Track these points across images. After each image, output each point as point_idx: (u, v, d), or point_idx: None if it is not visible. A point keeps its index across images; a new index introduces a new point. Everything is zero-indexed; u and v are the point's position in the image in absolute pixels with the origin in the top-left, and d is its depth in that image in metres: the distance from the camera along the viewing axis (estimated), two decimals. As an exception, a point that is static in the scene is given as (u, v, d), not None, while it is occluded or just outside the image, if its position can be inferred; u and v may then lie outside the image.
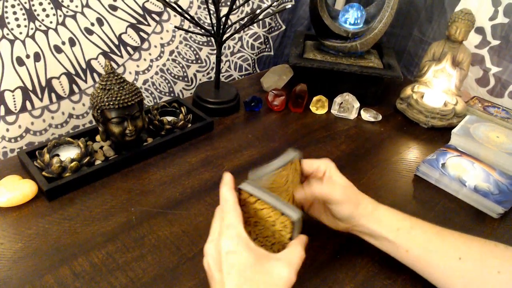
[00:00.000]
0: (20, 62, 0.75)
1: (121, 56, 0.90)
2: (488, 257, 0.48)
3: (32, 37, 0.75)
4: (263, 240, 0.47)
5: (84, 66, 0.84)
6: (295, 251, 0.42)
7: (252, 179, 0.47)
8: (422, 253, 0.50)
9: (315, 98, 0.94)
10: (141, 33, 0.91)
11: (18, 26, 0.72)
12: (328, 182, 0.53)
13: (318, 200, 0.56)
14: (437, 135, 0.90)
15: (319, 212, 0.57)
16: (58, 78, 0.82)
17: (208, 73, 1.09)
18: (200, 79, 1.08)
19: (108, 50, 0.87)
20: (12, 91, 0.77)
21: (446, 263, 0.49)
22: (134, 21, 0.88)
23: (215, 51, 0.86)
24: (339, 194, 0.51)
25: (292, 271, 0.40)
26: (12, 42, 0.73)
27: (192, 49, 1.02)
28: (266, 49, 1.19)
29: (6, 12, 0.70)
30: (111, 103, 0.64)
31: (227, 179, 0.47)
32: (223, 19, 0.78)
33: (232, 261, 0.40)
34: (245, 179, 0.47)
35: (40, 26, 0.75)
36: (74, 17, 0.79)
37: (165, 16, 0.92)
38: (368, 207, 0.53)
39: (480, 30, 1.00)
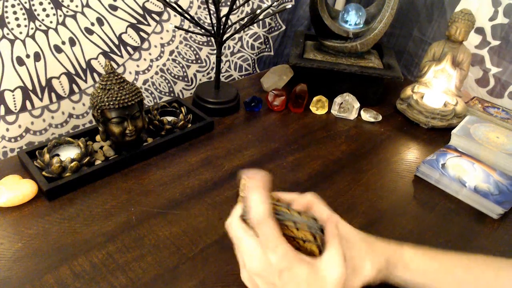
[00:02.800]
0: (20, 61, 0.75)
1: (121, 56, 0.90)
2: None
3: (32, 37, 0.75)
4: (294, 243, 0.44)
5: (84, 66, 0.84)
6: (334, 248, 0.41)
7: None
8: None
9: (315, 98, 0.94)
10: (141, 33, 0.91)
11: (18, 26, 0.72)
12: (354, 268, 0.45)
13: None
14: (437, 135, 0.90)
15: None
16: (58, 78, 0.82)
17: (208, 73, 1.09)
18: (200, 79, 1.08)
19: (108, 50, 0.87)
20: (12, 91, 0.77)
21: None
22: (134, 21, 0.88)
23: (215, 51, 0.86)
24: (372, 274, 0.45)
25: (341, 268, 0.39)
26: (12, 42, 0.73)
27: (192, 49, 1.02)
28: (266, 49, 1.19)
29: (6, 12, 0.70)
30: (111, 103, 0.64)
31: (255, 182, 0.41)
32: (223, 19, 0.78)
33: (287, 279, 0.38)
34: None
35: (40, 26, 0.75)
36: (74, 17, 0.79)
37: (165, 16, 0.92)
38: (395, 257, 0.48)
39: (480, 31, 1.00)
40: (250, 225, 0.41)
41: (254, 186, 0.41)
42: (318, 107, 0.94)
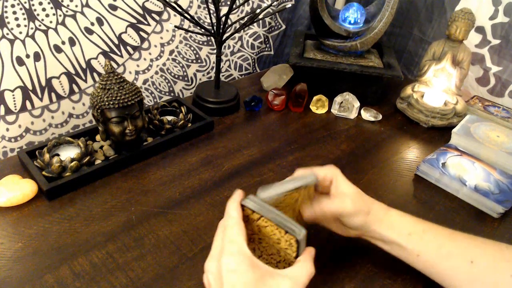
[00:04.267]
0: (20, 61, 0.75)
1: (121, 56, 0.90)
2: (501, 260, 0.48)
3: (32, 36, 0.75)
4: (268, 257, 0.46)
5: (84, 65, 0.84)
6: (302, 267, 0.41)
7: (261, 197, 0.45)
8: (433, 257, 0.50)
9: (315, 98, 0.94)
10: (141, 33, 0.91)
11: (18, 25, 0.72)
12: (337, 195, 0.51)
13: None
14: (437, 134, 0.90)
15: (329, 222, 0.55)
16: (58, 77, 0.82)
17: (208, 73, 1.09)
18: (200, 79, 1.08)
19: (108, 50, 0.87)
20: (12, 91, 0.77)
21: (458, 267, 0.48)
22: (134, 21, 0.88)
23: (215, 51, 0.86)
24: (350, 206, 0.50)
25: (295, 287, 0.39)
26: (12, 42, 0.73)
27: (192, 48, 1.02)
28: (266, 49, 1.19)
29: (6, 12, 0.70)
30: (111, 102, 0.64)
31: (236, 195, 0.45)
32: (223, 18, 0.78)
33: (233, 280, 0.38)
34: (252, 194, 0.46)
35: (40, 25, 0.75)
36: (74, 16, 0.79)
37: (165, 16, 0.92)
38: (379, 213, 0.52)
39: (480, 30, 1.00)
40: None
41: (235, 198, 0.45)
42: (318, 106, 0.94)
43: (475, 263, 0.48)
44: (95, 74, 0.87)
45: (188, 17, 0.77)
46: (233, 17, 1.00)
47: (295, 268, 0.41)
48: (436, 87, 0.92)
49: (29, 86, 0.78)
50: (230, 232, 0.41)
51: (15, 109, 0.78)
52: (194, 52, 1.03)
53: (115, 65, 0.90)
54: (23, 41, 0.74)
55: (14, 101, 0.78)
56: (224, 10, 0.97)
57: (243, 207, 0.44)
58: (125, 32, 0.88)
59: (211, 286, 0.41)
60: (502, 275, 0.46)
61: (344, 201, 0.50)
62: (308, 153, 0.80)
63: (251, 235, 0.45)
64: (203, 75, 1.08)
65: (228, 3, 0.99)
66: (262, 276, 0.39)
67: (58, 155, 0.67)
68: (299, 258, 0.43)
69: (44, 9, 0.74)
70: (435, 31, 1.09)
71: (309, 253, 0.44)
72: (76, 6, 0.78)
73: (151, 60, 0.96)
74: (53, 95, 0.82)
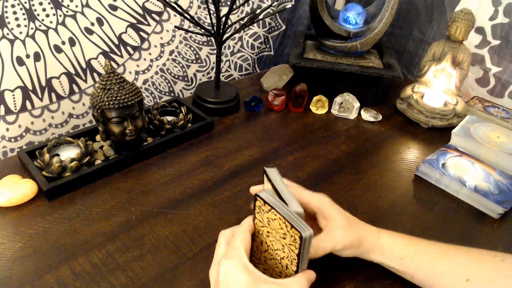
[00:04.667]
0: (20, 61, 0.75)
1: (121, 56, 0.90)
2: (497, 276, 0.47)
3: (32, 37, 0.75)
4: (271, 271, 0.47)
5: (84, 65, 0.84)
6: (297, 282, 0.42)
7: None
8: (428, 278, 0.50)
9: (315, 98, 0.94)
10: (141, 33, 0.91)
11: (18, 26, 0.72)
12: (326, 230, 0.50)
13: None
14: (437, 135, 0.90)
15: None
16: (58, 77, 0.82)
17: (208, 73, 1.09)
18: (200, 79, 1.08)
19: (108, 50, 0.87)
20: (12, 91, 0.77)
21: (453, 285, 0.48)
22: (134, 21, 0.88)
23: (215, 51, 0.86)
24: (340, 245, 0.49)
25: None
26: (12, 42, 0.73)
27: (192, 49, 1.02)
28: (266, 49, 1.19)
29: (6, 12, 0.70)
30: (111, 102, 0.64)
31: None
32: (223, 19, 0.78)
33: (229, 280, 0.40)
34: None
35: (40, 26, 0.75)
36: (74, 17, 0.79)
37: (165, 16, 0.92)
38: (371, 241, 0.51)
39: (480, 30, 1.00)
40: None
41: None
42: (318, 106, 0.94)
43: (470, 281, 0.47)
44: (95, 74, 0.87)
45: (188, 17, 0.77)
46: (233, 17, 1.00)
47: (291, 280, 0.42)
48: (436, 88, 0.92)
49: (29, 86, 0.78)
50: (235, 239, 0.43)
51: (15, 109, 0.78)
52: (194, 52, 1.03)
53: (115, 65, 0.90)
54: (23, 41, 0.74)
55: (14, 101, 0.78)
56: (224, 10, 0.97)
57: (257, 197, 0.45)
58: (125, 32, 0.88)
59: None
60: None
61: (334, 238, 0.49)
62: (308, 153, 0.80)
63: (261, 227, 0.46)
64: (203, 75, 1.08)
65: (228, 3, 1.00)
66: (256, 281, 0.40)
67: (58, 155, 0.67)
68: (298, 274, 0.43)
69: (44, 9, 0.75)
70: (435, 32, 1.09)
71: (308, 273, 0.44)
72: (76, 6, 0.78)
73: (151, 60, 0.96)
74: (53, 95, 0.82)
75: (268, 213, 0.44)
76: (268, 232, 0.46)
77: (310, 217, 0.52)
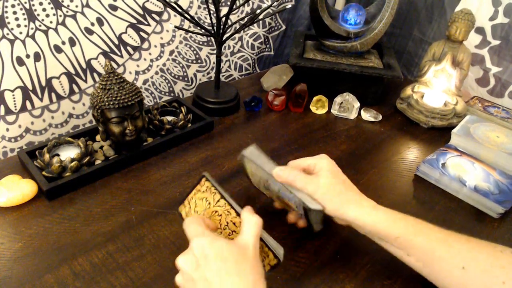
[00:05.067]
0: (20, 62, 0.75)
1: (121, 56, 0.90)
2: (493, 266, 0.47)
3: (32, 37, 0.75)
4: (224, 232, 0.50)
5: (84, 66, 0.84)
6: (248, 222, 0.45)
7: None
8: (424, 261, 0.50)
9: (315, 98, 0.94)
10: (141, 33, 0.91)
11: (18, 26, 0.72)
12: (312, 179, 0.54)
13: None
14: (437, 135, 0.90)
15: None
16: (58, 78, 0.82)
17: (208, 73, 1.09)
18: (200, 79, 1.08)
19: (108, 50, 0.87)
20: (12, 91, 0.77)
21: (449, 272, 0.48)
22: (134, 21, 0.88)
23: (215, 51, 0.86)
24: (320, 192, 0.52)
25: (254, 240, 0.43)
26: (12, 42, 0.73)
27: (192, 49, 1.02)
28: (266, 49, 1.19)
29: (6, 12, 0.70)
30: (111, 102, 0.64)
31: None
32: (223, 19, 0.78)
33: (207, 252, 0.41)
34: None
35: (40, 26, 0.75)
36: (74, 17, 0.79)
37: (165, 16, 0.92)
38: (365, 208, 0.52)
39: (480, 30, 1.00)
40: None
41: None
42: (318, 106, 0.94)
43: (466, 269, 0.47)
44: (95, 74, 0.87)
45: (188, 17, 0.77)
46: (233, 17, 1.00)
47: (244, 227, 0.45)
48: (436, 88, 0.92)
49: (29, 86, 0.78)
50: (191, 227, 0.46)
51: (15, 109, 0.79)
52: (194, 52, 1.03)
53: (115, 65, 0.90)
54: (23, 41, 0.74)
55: (14, 101, 0.78)
56: (224, 10, 0.97)
57: (203, 177, 0.52)
58: (125, 32, 0.88)
59: (187, 272, 0.42)
60: (495, 282, 0.45)
61: (317, 186, 0.53)
62: (308, 153, 0.79)
63: (207, 208, 0.51)
64: (203, 75, 1.08)
65: (228, 3, 1.00)
66: (227, 241, 0.43)
67: (58, 155, 0.67)
68: (242, 217, 0.46)
69: (44, 9, 0.75)
70: (435, 32, 1.09)
71: (246, 209, 0.47)
72: (76, 6, 0.78)
73: (151, 60, 0.96)
74: (53, 95, 0.82)
75: (214, 195, 0.51)
76: (214, 211, 0.50)
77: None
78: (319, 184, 0.53)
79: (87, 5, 0.79)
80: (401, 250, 0.51)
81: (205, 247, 0.42)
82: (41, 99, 0.81)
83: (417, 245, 0.50)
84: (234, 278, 0.40)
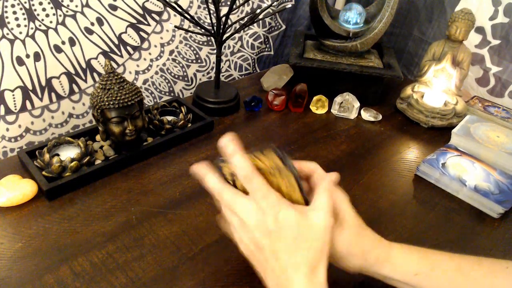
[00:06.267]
0: (20, 61, 0.75)
1: (121, 56, 0.90)
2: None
3: (32, 36, 0.75)
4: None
5: (84, 65, 0.84)
6: (324, 198, 0.43)
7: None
8: None
9: (315, 98, 0.94)
10: (141, 33, 0.91)
11: (18, 25, 0.72)
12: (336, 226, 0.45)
13: None
14: (437, 135, 0.90)
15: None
16: (58, 77, 0.82)
17: (208, 73, 1.09)
18: (200, 79, 1.08)
19: (108, 50, 0.87)
20: (12, 91, 0.77)
21: None
22: (134, 21, 0.88)
23: (215, 51, 0.86)
24: (345, 245, 0.46)
25: (329, 217, 0.42)
26: (12, 42, 0.73)
27: (192, 48, 1.02)
28: (266, 49, 1.19)
29: (6, 12, 0.70)
30: (111, 102, 0.64)
31: (234, 146, 0.45)
32: (223, 18, 0.78)
33: (280, 224, 0.40)
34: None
35: (40, 25, 0.75)
36: (74, 16, 0.79)
37: (165, 16, 0.92)
38: (381, 255, 0.47)
39: (480, 30, 1.00)
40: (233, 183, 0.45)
41: (234, 148, 0.44)
42: (318, 106, 0.94)
43: None
44: (95, 74, 0.87)
45: (188, 17, 0.77)
46: (233, 17, 1.00)
47: (317, 200, 0.43)
48: (436, 88, 0.92)
49: (29, 86, 0.78)
50: (255, 183, 0.42)
51: (15, 109, 0.78)
52: (194, 52, 1.03)
53: (115, 65, 0.90)
54: (23, 41, 0.74)
55: (14, 101, 0.78)
56: (224, 10, 0.97)
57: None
58: (125, 32, 0.88)
59: (255, 237, 0.41)
60: None
61: (340, 241, 0.46)
62: (308, 153, 0.80)
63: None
64: (203, 75, 1.08)
65: (228, 3, 1.00)
66: (302, 213, 0.41)
67: (58, 155, 0.67)
68: (318, 191, 0.44)
69: (44, 9, 0.74)
70: (435, 32, 1.09)
71: (325, 189, 0.44)
72: (76, 6, 0.78)
73: (151, 60, 0.96)
74: (53, 95, 0.82)
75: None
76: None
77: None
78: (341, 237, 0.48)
79: (87, 5, 0.79)
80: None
81: (285, 220, 0.40)
82: (41, 99, 0.81)
83: (435, 279, 0.47)
84: (302, 267, 0.40)
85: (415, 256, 0.49)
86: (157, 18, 0.91)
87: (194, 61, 1.04)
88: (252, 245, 0.42)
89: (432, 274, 0.47)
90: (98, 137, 0.73)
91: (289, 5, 1.14)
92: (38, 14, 0.74)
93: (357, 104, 0.91)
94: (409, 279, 0.48)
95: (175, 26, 0.79)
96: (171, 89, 1.04)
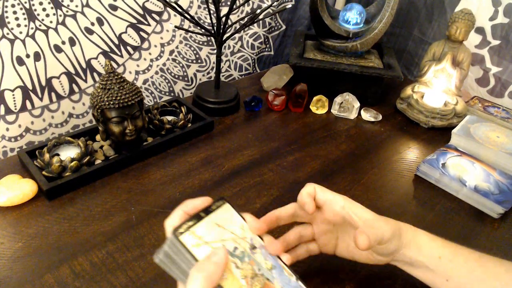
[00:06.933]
0: (20, 61, 0.75)
1: (121, 56, 0.90)
2: None
3: (32, 36, 0.75)
4: None
5: (84, 65, 0.84)
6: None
7: None
8: (463, 283, 0.48)
9: (315, 98, 0.94)
10: (141, 33, 0.91)
11: (18, 25, 0.72)
12: (366, 225, 0.45)
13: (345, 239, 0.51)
14: (437, 135, 0.90)
15: (349, 251, 0.51)
16: (58, 77, 0.82)
17: (208, 73, 1.09)
18: (200, 79, 1.08)
19: (108, 50, 0.87)
20: (12, 91, 0.77)
21: None
22: (134, 21, 0.88)
23: (215, 51, 0.86)
24: (388, 232, 0.46)
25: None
26: (12, 42, 0.73)
27: (192, 48, 1.02)
28: (266, 49, 1.19)
29: (6, 11, 0.70)
30: (111, 102, 0.64)
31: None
32: (223, 19, 0.78)
33: None
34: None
35: (40, 25, 0.75)
36: (74, 16, 0.79)
37: (165, 16, 0.92)
38: (408, 235, 0.49)
39: (480, 30, 1.00)
40: None
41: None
42: (318, 106, 0.94)
43: None
44: (95, 74, 0.87)
45: (188, 17, 0.77)
46: (233, 17, 1.00)
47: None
48: (436, 88, 0.92)
49: (29, 86, 0.78)
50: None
51: (15, 109, 0.78)
52: (194, 52, 1.03)
53: (115, 65, 0.90)
54: (23, 41, 0.74)
55: (14, 100, 0.78)
56: (224, 10, 0.97)
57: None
58: (125, 32, 0.88)
59: None
60: None
61: (381, 227, 0.46)
62: (308, 153, 0.80)
63: None
64: (203, 75, 1.08)
65: (228, 3, 1.00)
66: None
67: (58, 155, 0.67)
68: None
69: (44, 9, 0.74)
70: (435, 32, 1.09)
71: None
72: (76, 6, 0.78)
73: (151, 60, 0.96)
74: (53, 95, 0.82)
75: None
76: None
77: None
78: (381, 226, 0.47)
79: (87, 5, 0.79)
80: (442, 273, 0.48)
81: None
82: (41, 99, 0.81)
83: (457, 266, 0.48)
84: None
85: (439, 241, 0.50)
86: (157, 18, 0.91)
87: (194, 61, 1.04)
88: None
89: (454, 259, 0.48)
90: (98, 137, 0.73)
91: (289, 5, 1.14)
92: (38, 14, 0.74)
93: (357, 104, 0.91)
94: (434, 262, 0.48)
95: (175, 26, 0.80)
96: (171, 89, 1.04)
